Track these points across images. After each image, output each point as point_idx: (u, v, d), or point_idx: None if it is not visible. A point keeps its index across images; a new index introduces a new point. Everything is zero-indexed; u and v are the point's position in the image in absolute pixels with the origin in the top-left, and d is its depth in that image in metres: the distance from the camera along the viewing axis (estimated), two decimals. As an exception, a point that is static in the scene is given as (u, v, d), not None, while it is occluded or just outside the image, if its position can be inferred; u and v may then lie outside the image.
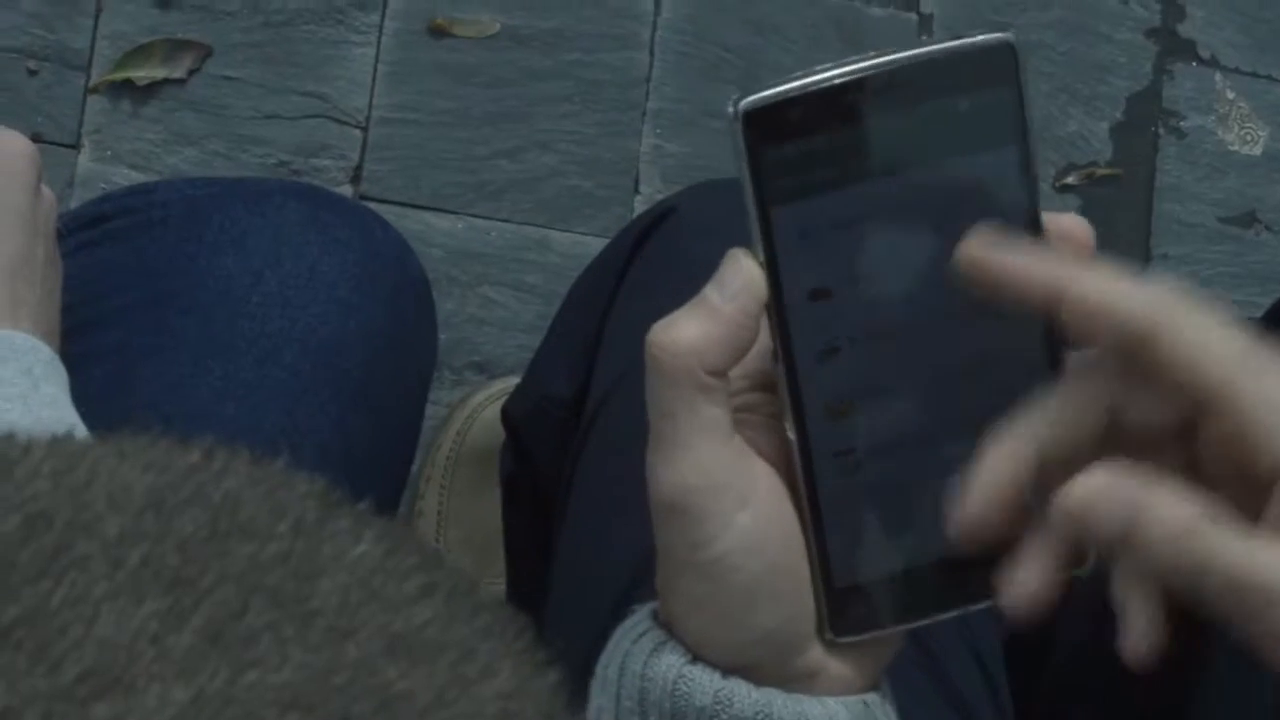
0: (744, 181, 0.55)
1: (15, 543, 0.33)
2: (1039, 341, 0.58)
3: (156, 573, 0.34)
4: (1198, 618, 0.61)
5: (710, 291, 0.55)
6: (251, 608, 0.34)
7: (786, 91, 0.54)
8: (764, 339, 0.57)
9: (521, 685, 0.37)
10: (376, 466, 0.93)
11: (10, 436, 0.37)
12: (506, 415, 1.08)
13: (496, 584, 1.35)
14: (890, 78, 0.54)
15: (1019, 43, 0.55)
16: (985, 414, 0.58)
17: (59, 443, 0.37)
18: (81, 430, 0.76)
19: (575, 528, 0.90)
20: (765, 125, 0.54)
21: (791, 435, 0.57)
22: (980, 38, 0.55)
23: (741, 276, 0.55)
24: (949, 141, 0.55)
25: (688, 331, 0.55)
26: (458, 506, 1.42)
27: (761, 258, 0.55)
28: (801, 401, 0.57)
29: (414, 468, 1.19)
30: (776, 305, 0.56)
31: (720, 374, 0.55)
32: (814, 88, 0.54)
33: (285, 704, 0.32)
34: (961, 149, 0.55)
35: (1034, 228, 0.56)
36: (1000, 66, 0.55)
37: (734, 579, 0.56)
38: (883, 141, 0.55)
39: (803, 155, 0.54)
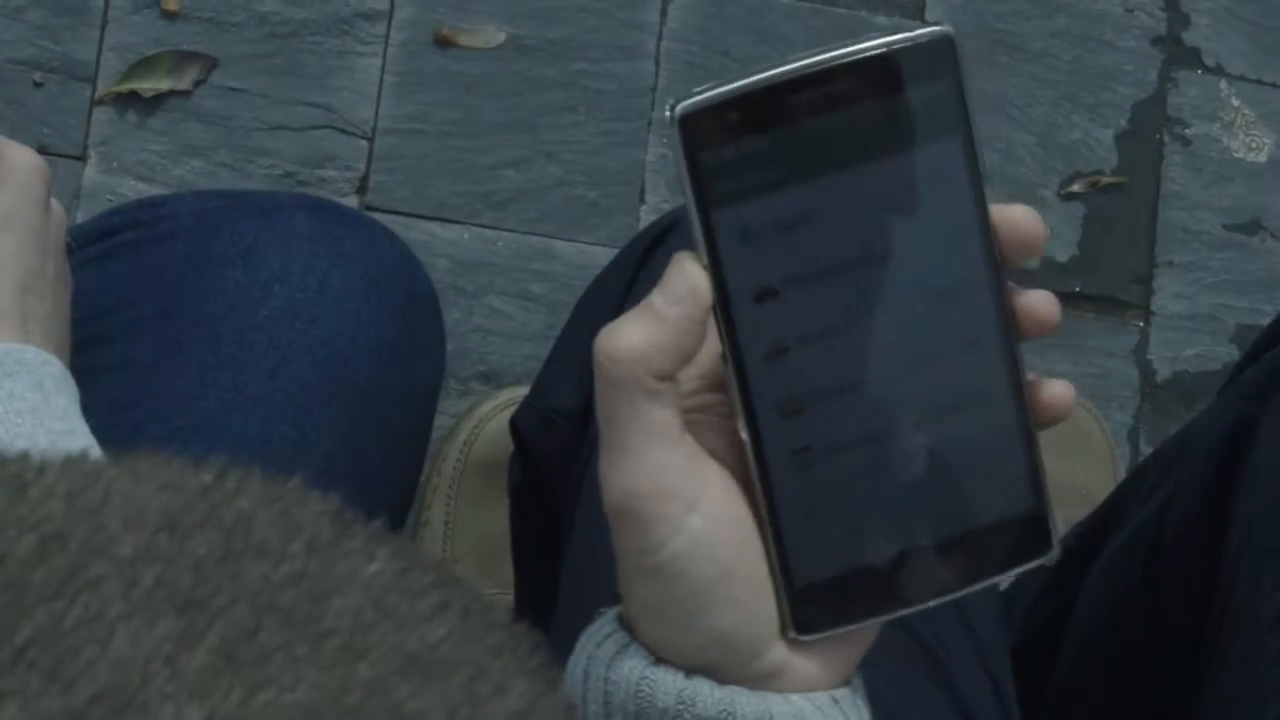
0: (684, 184, 0.55)
1: (30, 564, 0.33)
2: (991, 336, 0.58)
3: (170, 593, 0.34)
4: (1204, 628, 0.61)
5: (655, 296, 0.56)
6: (265, 627, 0.34)
7: (723, 93, 0.54)
8: (714, 340, 0.57)
9: (534, 703, 0.37)
10: (385, 478, 0.93)
11: (25, 457, 0.37)
12: (515, 427, 1.09)
13: (503, 594, 1.35)
14: (829, 75, 0.54)
15: (958, 36, 0.55)
16: (937, 406, 0.58)
17: (73, 463, 0.37)
18: (93, 444, 0.77)
19: (583, 538, 0.90)
20: (703, 128, 0.54)
21: (744, 435, 0.57)
22: (919, 32, 0.55)
23: (685, 280, 0.55)
24: (891, 137, 0.55)
25: (632, 337, 0.55)
26: (464, 516, 1.42)
27: (705, 260, 0.55)
28: (752, 401, 0.57)
29: (420, 478, 1.19)
30: (723, 307, 0.56)
31: (667, 378, 0.55)
32: (751, 88, 0.54)
33: None
34: (904, 144, 0.55)
35: (982, 220, 0.56)
36: (940, 60, 0.55)
37: (685, 583, 0.57)
38: (823, 139, 0.54)
39: (743, 156, 0.54)
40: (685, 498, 0.56)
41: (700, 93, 0.54)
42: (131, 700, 0.32)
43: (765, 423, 0.57)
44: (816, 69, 0.54)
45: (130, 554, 0.34)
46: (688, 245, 0.56)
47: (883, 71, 0.54)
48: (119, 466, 0.38)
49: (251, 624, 0.34)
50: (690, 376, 0.57)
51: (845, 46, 0.54)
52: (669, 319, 0.55)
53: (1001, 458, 0.59)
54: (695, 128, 0.54)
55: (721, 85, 0.54)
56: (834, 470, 0.58)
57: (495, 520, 1.36)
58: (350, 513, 0.39)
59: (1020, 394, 0.58)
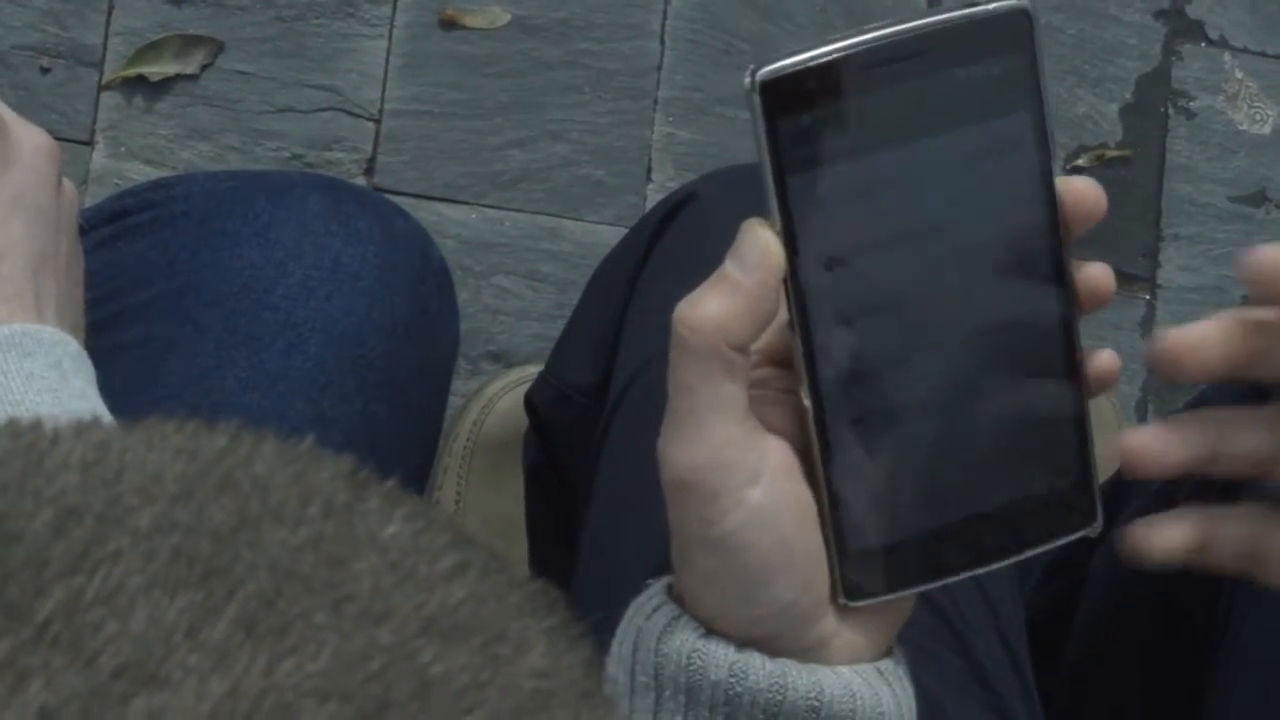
0: (761, 151, 0.55)
1: (47, 539, 0.33)
2: (1053, 308, 0.58)
3: (189, 564, 0.34)
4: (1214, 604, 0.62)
5: (730, 266, 0.56)
6: (284, 595, 0.34)
7: (803, 61, 0.54)
8: (779, 310, 0.57)
9: (555, 662, 0.37)
10: (400, 455, 0.93)
11: (38, 424, 0.37)
12: (529, 403, 1.09)
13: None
14: (905, 46, 0.55)
15: (1034, 9, 0.56)
16: (998, 380, 0.58)
17: (86, 431, 0.37)
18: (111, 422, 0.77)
19: (600, 513, 0.90)
20: (782, 95, 0.55)
21: (807, 403, 0.58)
22: (995, 5, 0.55)
23: (759, 247, 0.56)
24: (964, 108, 0.56)
25: (711, 307, 0.55)
26: (475, 495, 1.42)
27: (779, 227, 0.56)
28: (817, 370, 0.57)
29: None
30: (793, 274, 0.56)
31: (744, 348, 0.56)
32: (830, 57, 0.54)
33: (323, 693, 0.32)
34: (976, 115, 0.56)
35: (1049, 191, 0.57)
36: (1015, 33, 0.55)
37: (746, 555, 0.57)
38: (898, 109, 0.55)
39: (819, 124, 0.55)
40: (748, 470, 0.57)
41: (780, 60, 0.55)
42: (154, 674, 0.31)
43: (828, 391, 0.57)
44: (895, 39, 0.55)
45: (148, 525, 0.34)
46: (741, 211, 0.56)
47: (959, 42, 0.55)
48: (133, 434, 0.37)
49: (271, 592, 0.34)
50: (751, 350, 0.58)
51: (923, 18, 0.55)
52: (745, 287, 0.55)
53: (1054, 429, 0.60)
54: (774, 94, 0.54)
55: (801, 53, 0.54)
56: (893, 439, 0.58)
57: (506, 499, 1.36)
58: (365, 473, 0.38)
59: (1077, 366, 0.59)
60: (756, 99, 0.54)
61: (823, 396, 0.58)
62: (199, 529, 0.35)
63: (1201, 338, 0.57)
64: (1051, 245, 0.57)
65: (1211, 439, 0.58)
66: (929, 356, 0.58)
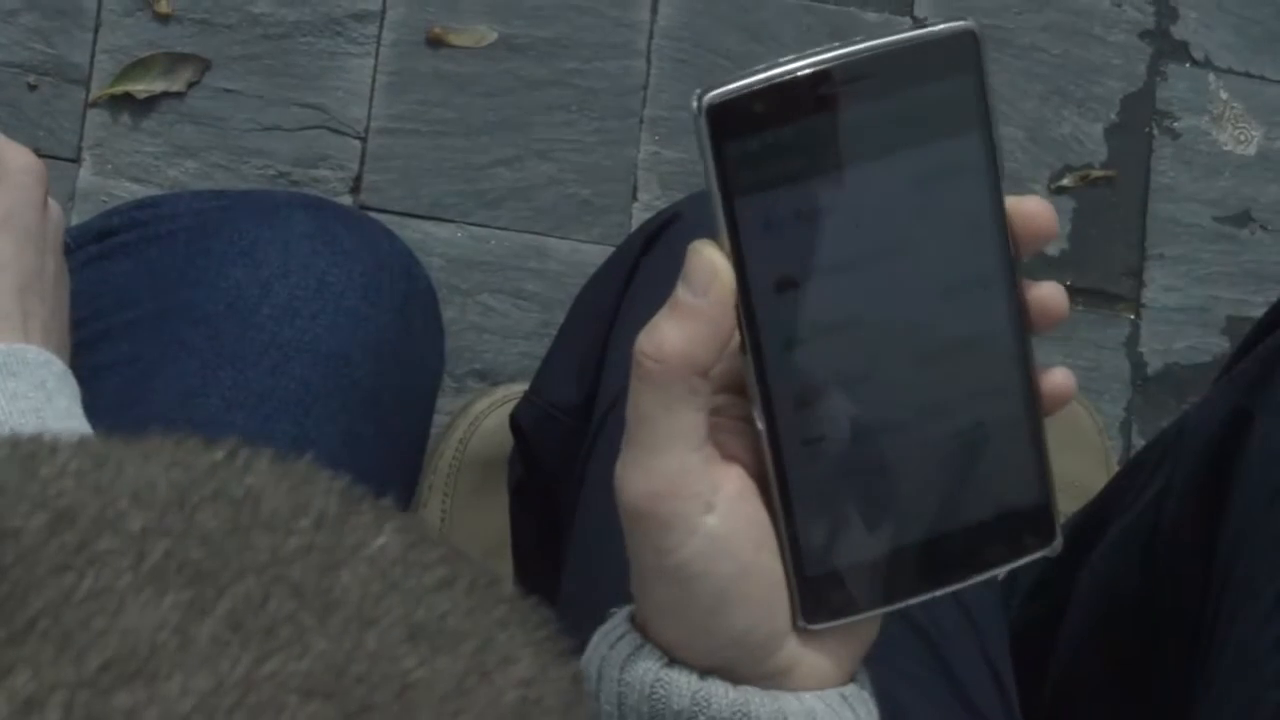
0: (709, 173, 0.55)
1: (41, 538, 0.34)
2: (1006, 328, 0.58)
3: (180, 566, 0.34)
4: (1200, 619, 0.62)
5: (682, 291, 0.56)
6: (273, 598, 0.34)
7: (749, 84, 0.54)
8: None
9: (541, 673, 0.37)
10: (385, 475, 0.93)
11: (38, 436, 0.37)
12: (514, 423, 1.09)
13: (501, 590, 1.35)
14: (853, 69, 0.55)
15: (981, 31, 0.56)
16: (952, 401, 0.59)
17: (85, 443, 0.38)
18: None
19: (585, 533, 0.90)
20: (729, 118, 0.54)
21: (760, 425, 0.58)
22: (942, 26, 0.56)
23: (709, 269, 0.55)
24: (913, 130, 0.56)
25: (671, 335, 0.55)
26: (460, 513, 1.42)
27: (728, 249, 0.56)
28: (770, 391, 0.57)
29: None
30: (743, 296, 0.56)
31: (706, 373, 0.56)
32: (777, 80, 0.54)
33: (306, 691, 0.33)
34: (925, 137, 0.56)
35: (998, 214, 0.57)
36: (963, 54, 0.56)
37: (704, 583, 0.57)
38: (846, 131, 0.55)
39: (767, 147, 0.55)
40: (703, 499, 0.57)
41: (727, 84, 0.54)
42: (141, 669, 0.32)
43: (781, 412, 0.57)
44: (841, 62, 0.55)
45: (140, 528, 0.35)
46: (706, 234, 0.56)
47: (907, 64, 0.55)
48: (130, 446, 0.38)
49: (260, 595, 0.34)
50: None
51: (870, 40, 0.55)
52: (701, 310, 0.55)
53: (1010, 449, 0.60)
54: (721, 118, 0.54)
55: (747, 77, 0.54)
56: (847, 460, 0.58)
57: (491, 517, 1.36)
58: (358, 489, 0.39)
59: (1030, 386, 0.59)
60: (703, 122, 0.54)
61: (776, 419, 0.57)
62: (190, 534, 0.35)
63: None
64: (1003, 265, 0.57)
65: None
66: (882, 378, 0.58)
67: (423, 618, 0.36)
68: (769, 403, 0.57)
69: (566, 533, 0.94)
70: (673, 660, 0.59)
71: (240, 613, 0.34)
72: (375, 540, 0.37)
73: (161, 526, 0.35)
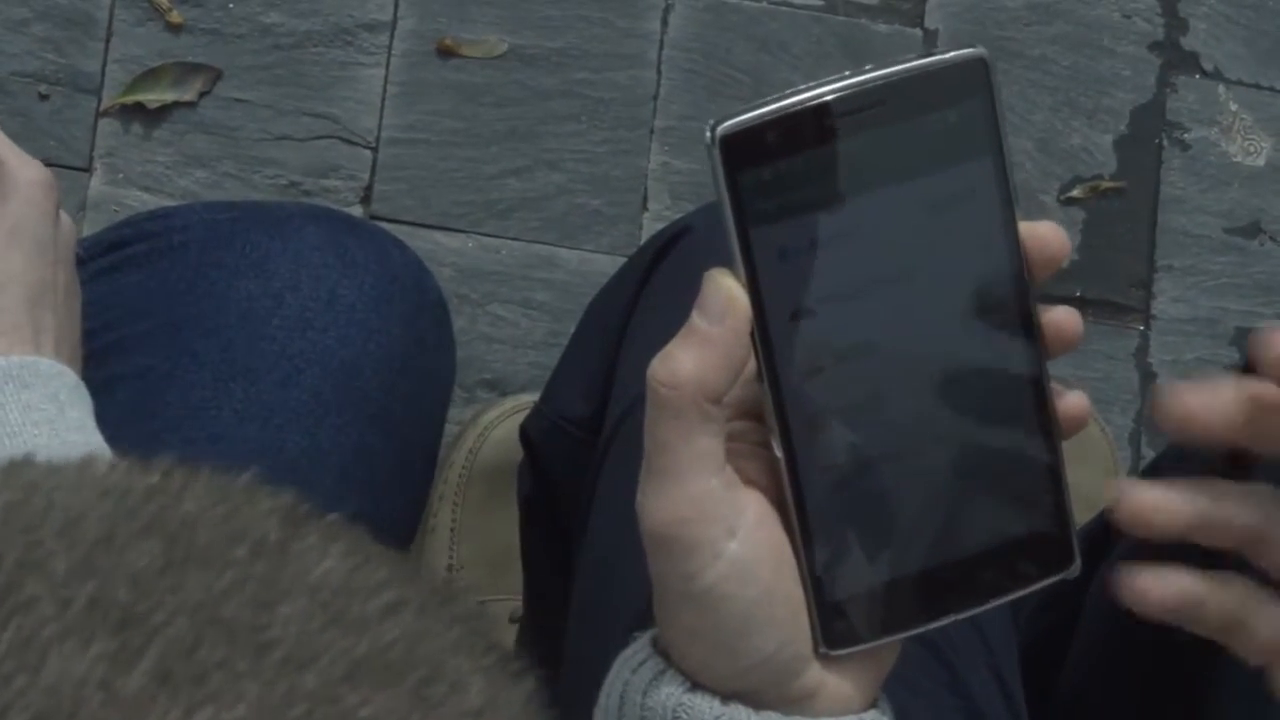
0: (723, 204, 0.55)
1: None
2: (1021, 352, 0.58)
3: (105, 612, 0.33)
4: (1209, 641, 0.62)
5: (697, 318, 0.56)
6: (205, 643, 0.33)
7: (762, 115, 0.55)
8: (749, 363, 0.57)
9: (492, 700, 0.36)
10: (396, 486, 0.93)
11: None
12: (524, 434, 1.09)
13: (508, 600, 1.35)
14: (865, 97, 0.55)
15: (990, 57, 0.56)
16: (969, 426, 0.59)
17: (15, 471, 0.37)
18: (106, 453, 0.77)
19: (595, 545, 0.90)
20: (742, 148, 0.55)
21: (779, 453, 0.58)
22: (952, 54, 0.56)
23: (724, 297, 0.56)
24: (925, 157, 0.56)
25: (685, 362, 0.55)
26: (470, 522, 1.42)
27: (743, 278, 0.56)
28: (788, 418, 0.57)
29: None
30: (759, 325, 0.56)
31: (719, 400, 0.56)
32: (789, 110, 0.55)
33: None
34: (937, 164, 0.56)
35: (1012, 238, 0.57)
36: (973, 80, 0.56)
37: (727, 607, 0.57)
38: (860, 159, 0.55)
39: (780, 176, 0.55)
40: (726, 524, 0.57)
41: (739, 114, 0.55)
42: None
43: (799, 439, 0.58)
44: (852, 90, 0.55)
45: (65, 571, 0.34)
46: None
47: (918, 92, 0.55)
48: (62, 474, 0.37)
49: (191, 640, 0.33)
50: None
51: (881, 68, 0.55)
52: (715, 338, 0.55)
53: (1028, 473, 0.60)
54: (734, 148, 0.55)
55: (760, 107, 0.55)
56: (866, 486, 0.59)
57: (501, 527, 1.36)
58: (304, 508, 0.38)
59: (1048, 410, 0.59)
60: (716, 153, 0.54)
61: (794, 446, 0.58)
62: (118, 574, 0.34)
63: (1206, 405, 0.57)
64: (1017, 290, 0.58)
65: (1203, 507, 0.58)
66: (898, 404, 0.58)
67: (365, 651, 0.35)
68: (786, 430, 0.57)
69: (577, 543, 0.94)
70: (696, 685, 0.59)
71: (169, 660, 0.32)
72: (318, 566, 0.36)
73: (88, 567, 0.34)
